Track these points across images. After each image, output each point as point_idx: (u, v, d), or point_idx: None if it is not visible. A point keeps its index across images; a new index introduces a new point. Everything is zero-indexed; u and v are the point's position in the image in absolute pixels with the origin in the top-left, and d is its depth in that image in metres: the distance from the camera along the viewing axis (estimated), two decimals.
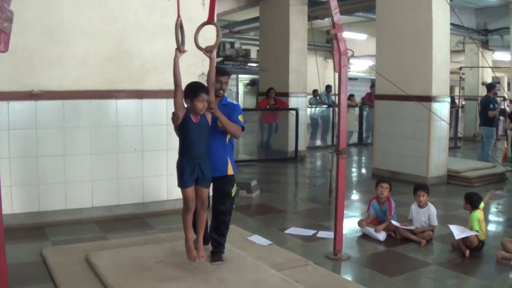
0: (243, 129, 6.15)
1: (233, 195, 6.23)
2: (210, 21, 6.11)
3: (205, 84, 5.86)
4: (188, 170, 5.65)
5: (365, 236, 8.01)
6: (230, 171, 6.16)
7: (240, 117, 6.14)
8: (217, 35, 5.96)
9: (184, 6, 7.55)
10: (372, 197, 8.48)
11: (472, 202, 7.43)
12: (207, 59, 5.95)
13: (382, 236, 7.84)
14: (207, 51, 5.91)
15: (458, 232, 7.29)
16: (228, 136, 6.14)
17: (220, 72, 6.12)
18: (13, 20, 4.76)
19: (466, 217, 7.75)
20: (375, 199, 8.32)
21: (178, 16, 5.81)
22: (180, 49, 5.80)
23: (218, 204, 6.15)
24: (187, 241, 5.87)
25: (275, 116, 16.64)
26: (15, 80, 7.74)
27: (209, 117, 5.76)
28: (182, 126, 5.69)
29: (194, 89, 5.63)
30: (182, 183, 5.71)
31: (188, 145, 5.70)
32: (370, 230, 7.96)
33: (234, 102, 6.37)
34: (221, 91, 6.14)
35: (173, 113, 5.65)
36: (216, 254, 6.20)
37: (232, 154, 6.29)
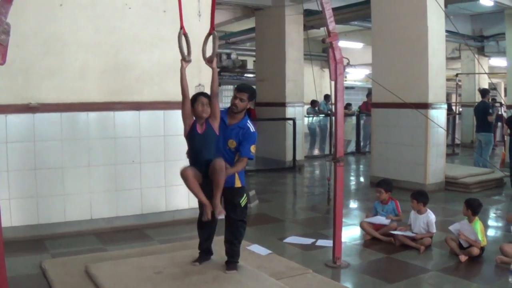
0: (251, 159, 6.17)
1: (242, 205, 6.20)
2: (211, 31, 6.11)
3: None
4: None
5: (364, 244, 8.02)
6: (238, 183, 6.15)
7: (252, 148, 6.07)
8: (214, 44, 5.96)
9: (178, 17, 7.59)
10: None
11: (473, 208, 7.42)
12: (204, 70, 6.02)
13: (386, 220, 8.15)
14: (208, 61, 5.94)
15: (457, 226, 7.42)
16: (237, 156, 6.13)
17: (238, 88, 6.22)
18: (10, 33, 4.78)
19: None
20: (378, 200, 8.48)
21: (181, 27, 5.88)
22: (185, 59, 5.85)
23: (229, 213, 6.15)
24: (200, 200, 5.85)
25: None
26: (13, 93, 7.75)
27: (215, 126, 5.80)
28: (189, 136, 5.82)
29: (194, 96, 5.78)
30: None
31: (193, 155, 5.90)
32: (374, 218, 8.24)
33: (252, 128, 6.15)
34: (234, 107, 6.10)
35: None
36: (231, 263, 6.21)
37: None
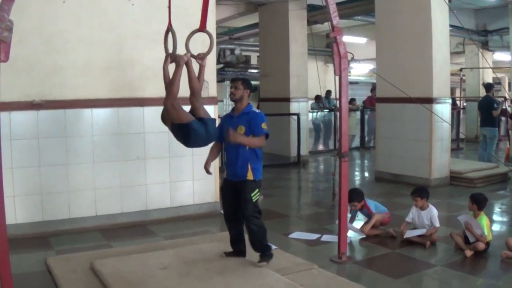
0: (267, 136, 6.27)
1: (253, 200, 6.22)
2: (202, 28, 6.14)
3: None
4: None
5: (369, 239, 8.00)
6: (250, 176, 6.21)
7: (264, 125, 6.23)
8: (210, 43, 6.05)
9: (183, 13, 7.59)
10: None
11: (479, 202, 7.40)
12: (208, 66, 6.04)
13: (358, 231, 8.09)
14: (199, 58, 6.08)
15: (464, 218, 7.41)
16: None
17: (231, 80, 6.53)
18: (13, 30, 4.77)
19: None
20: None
21: (169, 24, 6.02)
22: (170, 55, 5.93)
23: (243, 211, 6.24)
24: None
25: None
26: (16, 90, 7.74)
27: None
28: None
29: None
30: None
31: None
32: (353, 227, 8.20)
33: (257, 110, 6.44)
34: (232, 95, 6.37)
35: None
36: (263, 257, 6.36)
37: (257, 161, 6.32)
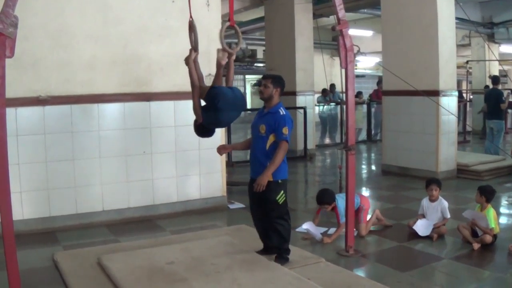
0: (286, 140, 6.15)
1: (279, 203, 6.21)
2: (232, 24, 6.12)
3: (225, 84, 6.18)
4: None
5: (375, 232, 7.99)
6: (270, 177, 6.12)
7: (285, 130, 6.09)
8: (238, 38, 6.10)
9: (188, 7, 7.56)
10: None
11: (487, 195, 7.38)
12: (214, 61, 6.05)
13: (318, 237, 7.69)
14: (230, 54, 6.05)
15: (469, 214, 7.43)
16: (269, 143, 6.18)
17: (262, 76, 6.52)
18: (18, 26, 4.77)
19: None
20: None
21: (190, 16, 5.96)
22: (195, 49, 5.91)
23: (267, 212, 6.27)
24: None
25: None
26: (22, 86, 7.75)
27: None
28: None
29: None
30: None
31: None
32: (313, 230, 7.86)
33: (282, 111, 6.25)
34: (260, 94, 6.33)
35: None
36: (278, 258, 6.33)
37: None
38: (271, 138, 6.14)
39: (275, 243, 6.36)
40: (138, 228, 8.38)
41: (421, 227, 7.74)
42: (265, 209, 6.27)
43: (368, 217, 8.05)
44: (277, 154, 6.05)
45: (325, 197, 7.81)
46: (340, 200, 7.69)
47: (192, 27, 6.02)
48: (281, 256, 6.36)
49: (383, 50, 13.40)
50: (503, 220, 8.71)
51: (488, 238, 7.11)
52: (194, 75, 5.98)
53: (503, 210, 9.44)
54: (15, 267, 4.92)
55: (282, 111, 6.21)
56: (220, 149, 6.75)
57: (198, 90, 5.97)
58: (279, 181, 6.19)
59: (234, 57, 6.12)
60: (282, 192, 6.20)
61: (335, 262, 6.61)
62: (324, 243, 7.50)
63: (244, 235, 7.60)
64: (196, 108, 6.01)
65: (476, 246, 7.09)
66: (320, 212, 8.06)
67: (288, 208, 6.41)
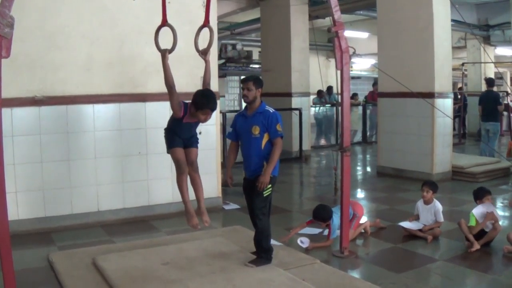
0: (281, 137, 6.23)
1: (264, 195, 6.24)
2: (205, 23, 6.15)
3: (201, 86, 6.15)
4: (177, 137, 5.90)
5: (370, 234, 8.00)
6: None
7: (278, 126, 6.18)
8: (210, 37, 6.06)
9: (184, 8, 7.59)
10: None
11: (476, 195, 7.51)
12: (208, 62, 6.07)
13: (305, 244, 7.47)
14: (202, 53, 6.09)
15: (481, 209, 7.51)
16: (263, 142, 6.22)
17: (242, 80, 6.42)
18: (14, 27, 4.77)
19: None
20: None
21: (164, 20, 6.13)
22: (166, 50, 5.92)
23: (253, 205, 6.31)
24: (186, 205, 6.04)
25: None
26: (18, 86, 7.74)
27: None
28: (176, 120, 5.87)
29: (202, 101, 5.66)
30: (170, 144, 5.94)
31: (177, 132, 5.95)
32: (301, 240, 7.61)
33: (271, 110, 6.33)
34: (245, 98, 6.29)
35: None
36: (256, 260, 6.28)
37: None
38: (266, 137, 6.18)
39: (255, 240, 6.32)
40: (133, 228, 8.37)
41: (411, 224, 7.83)
42: (253, 204, 6.30)
43: (362, 220, 8.05)
44: (275, 151, 6.14)
45: (321, 214, 7.59)
46: (336, 218, 7.52)
47: (172, 29, 6.03)
48: (260, 256, 6.28)
49: (378, 52, 13.44)
50: None
51: (495, 233, 7.29)
52: (171, 76, 5.94)
53: (498, 212, 9.43)
54: (10, 268, 4.92)
55: (270, 109, 6.30)
56: (229, 179, 6.70)
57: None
58: (271, 176, 6.23)
59: (209, 57, 6.15)
60: (270, 186, 6.26)
61: (330, 263, 6.65)
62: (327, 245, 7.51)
63: (239, 236, 7.61)
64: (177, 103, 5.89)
65: (476, 246, 7.11)
66: (310, 224, 7.86)
67: (273, 207, 6.46)
